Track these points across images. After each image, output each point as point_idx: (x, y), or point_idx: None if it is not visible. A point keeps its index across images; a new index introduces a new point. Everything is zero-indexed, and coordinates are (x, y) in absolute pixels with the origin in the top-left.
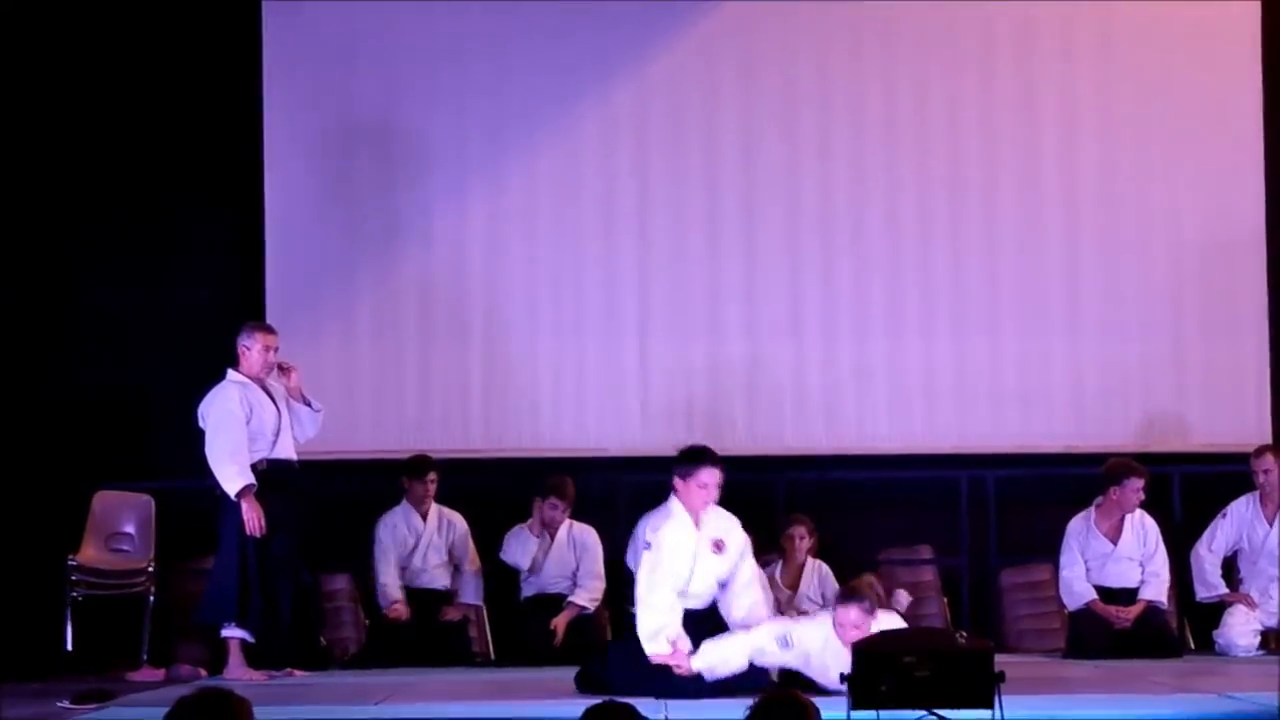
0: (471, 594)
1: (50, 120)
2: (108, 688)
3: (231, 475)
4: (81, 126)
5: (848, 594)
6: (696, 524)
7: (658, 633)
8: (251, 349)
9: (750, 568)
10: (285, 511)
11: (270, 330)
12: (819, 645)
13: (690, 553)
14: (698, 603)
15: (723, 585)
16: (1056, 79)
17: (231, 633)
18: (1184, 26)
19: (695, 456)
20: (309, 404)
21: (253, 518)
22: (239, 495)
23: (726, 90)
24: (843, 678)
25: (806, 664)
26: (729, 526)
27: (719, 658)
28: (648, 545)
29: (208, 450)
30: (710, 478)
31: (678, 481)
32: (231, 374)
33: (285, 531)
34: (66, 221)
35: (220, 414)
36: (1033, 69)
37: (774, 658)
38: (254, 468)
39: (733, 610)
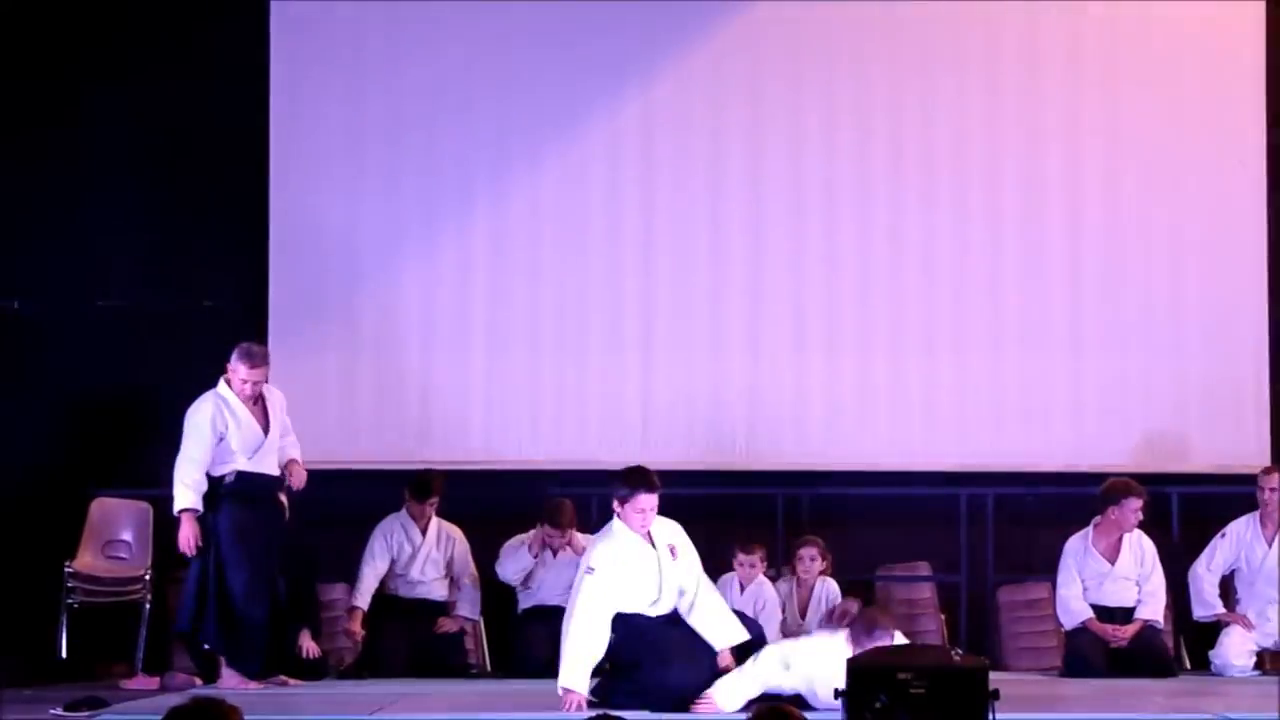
0: (469, 608)
1: (56, 125)
2: (101, 695)
3: (178, 492)
4: (86, 133)
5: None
6: (646, 538)
7: (584, 661)
8: (235, 374)
9: (698, 567)
10: (256, 524)
11: (255, 364)
12: (819, 666)
13: (653, 565)
14: (664, 610)
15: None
16: (1060, 98)
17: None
18: (1189, 46)
19: (633, 481)
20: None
21: (187, 536)
22: (178, 513)
23: (732, 109)
24: (837, 693)
25: (809, 686)
26: (674, 531)
27: (738, 697)
28: (590, 570)
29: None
30: (648, 503)
31: (616, 504)
32: (220, 386)
33: (254, 544)
34: (71, 230)
35: (189, 428)
36: (1037, 88)
37: (778, 681)
38: (220, 480)
39: (709, 628)
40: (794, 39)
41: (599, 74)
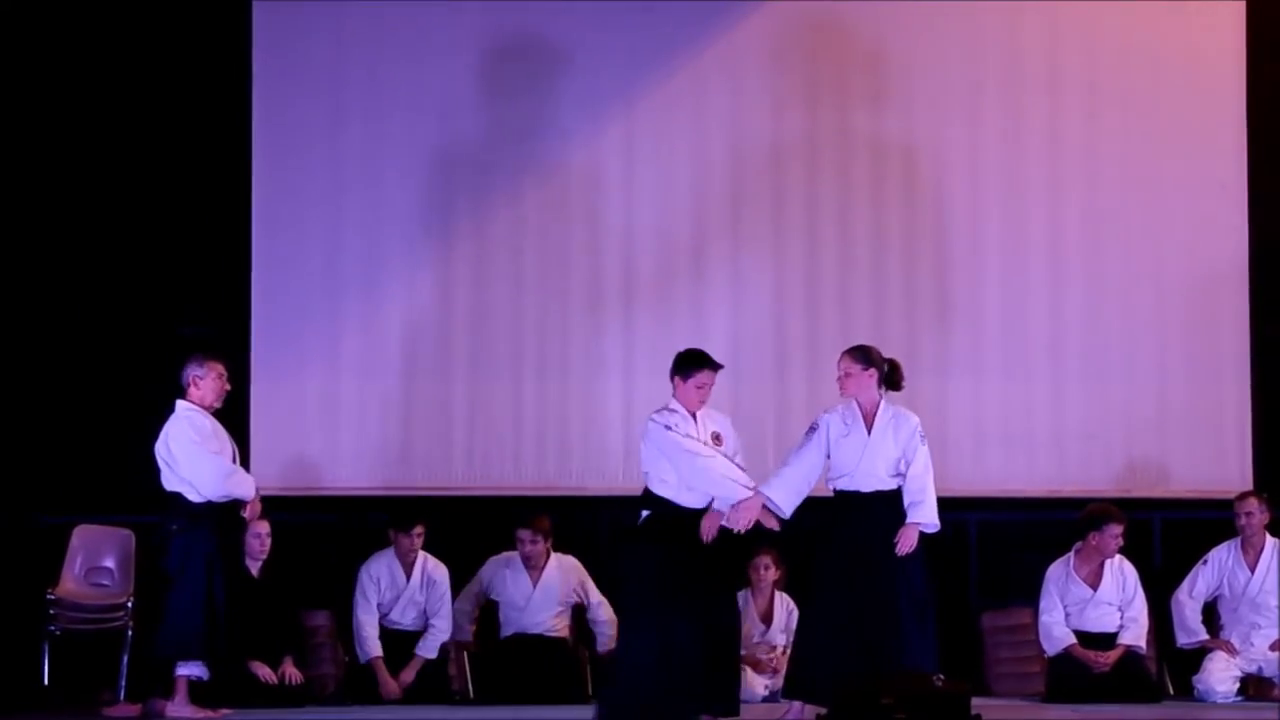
0: (428, 648)
1: (32, 145)
2: None
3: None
4: (68, 155)
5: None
6: (695, 420)
7: (733, 476)
8: (205, 377)
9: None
10: (231, 546)
11: (218, 358)
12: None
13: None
14: (696, 500)
15: None
16: (1041, 123)
17: (189, 670)
18: (1170, 70)
19: (696, 359)
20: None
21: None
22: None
23: (714, 136)
24: None
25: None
26: (722, 420)
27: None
28: (669, 428)
29: (201, 475)
30: (707, 379)
31: (677, 381)
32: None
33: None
34: (43, 254)
35: (199, 437)
36: (1019, 111)
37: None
38: (211, 502)
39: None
40: (775, 60)
41: (583, 91)
